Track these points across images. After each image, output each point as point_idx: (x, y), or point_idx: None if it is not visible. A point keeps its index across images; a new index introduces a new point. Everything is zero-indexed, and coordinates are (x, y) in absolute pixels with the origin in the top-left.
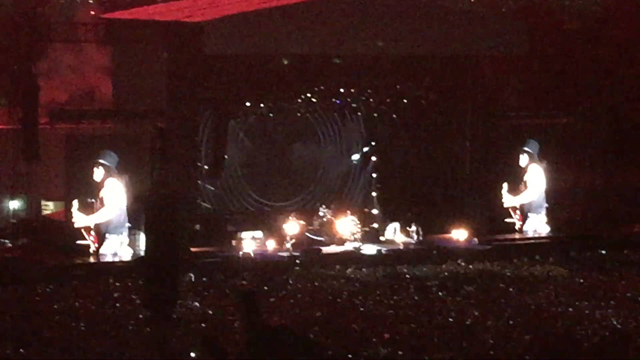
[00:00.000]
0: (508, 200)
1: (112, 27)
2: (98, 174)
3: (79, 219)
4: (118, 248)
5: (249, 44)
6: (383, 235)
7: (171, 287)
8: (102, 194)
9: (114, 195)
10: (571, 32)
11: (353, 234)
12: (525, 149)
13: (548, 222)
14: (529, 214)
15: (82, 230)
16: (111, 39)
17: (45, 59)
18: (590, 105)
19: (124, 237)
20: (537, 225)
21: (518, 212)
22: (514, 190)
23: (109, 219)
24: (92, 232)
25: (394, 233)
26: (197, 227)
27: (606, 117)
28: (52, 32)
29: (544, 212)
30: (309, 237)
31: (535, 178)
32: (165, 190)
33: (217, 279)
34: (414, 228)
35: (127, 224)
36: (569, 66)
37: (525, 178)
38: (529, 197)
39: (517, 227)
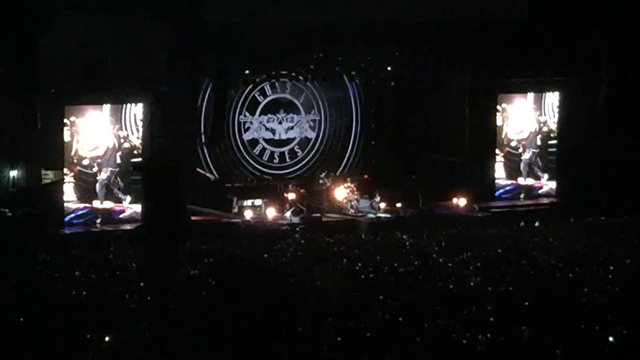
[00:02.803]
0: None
1: None
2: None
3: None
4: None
5: (248, 11)
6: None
7: (171, 255)
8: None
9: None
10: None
11: (350, 201)
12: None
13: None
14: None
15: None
16: (111, 7)
17: (45, 27)
18: (590, 69)
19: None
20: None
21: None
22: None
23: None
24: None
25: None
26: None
27: (607, 82)
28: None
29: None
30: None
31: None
32: (165, 159)
33: (217, 247)
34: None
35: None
36: (568, 31)
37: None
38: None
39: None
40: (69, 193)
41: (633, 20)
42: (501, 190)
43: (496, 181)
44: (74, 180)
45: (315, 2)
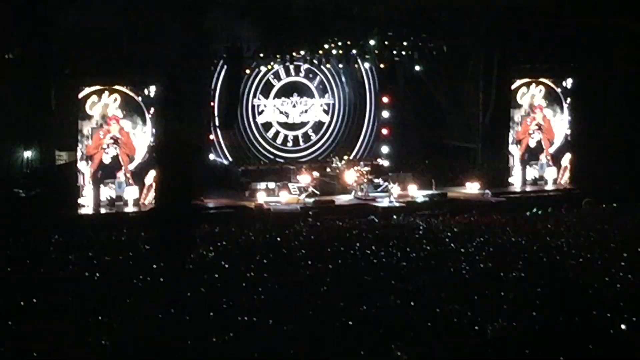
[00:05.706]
0: None
1: None
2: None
3: None
4: None
5: None
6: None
7: (185, 238)
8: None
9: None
10: None
11: (360, 184)
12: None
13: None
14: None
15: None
16: None
17: (59, 9)
18: (604, 59)
19: None
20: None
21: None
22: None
23: None
24: None
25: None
26: None
27: (620, 71)
28: None
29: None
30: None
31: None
32: (178, 141)
33: (230, 229)
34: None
35: None
36: (582, 19)
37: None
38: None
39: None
40: None
41: None
42: None
43: None
44: None
45: None
